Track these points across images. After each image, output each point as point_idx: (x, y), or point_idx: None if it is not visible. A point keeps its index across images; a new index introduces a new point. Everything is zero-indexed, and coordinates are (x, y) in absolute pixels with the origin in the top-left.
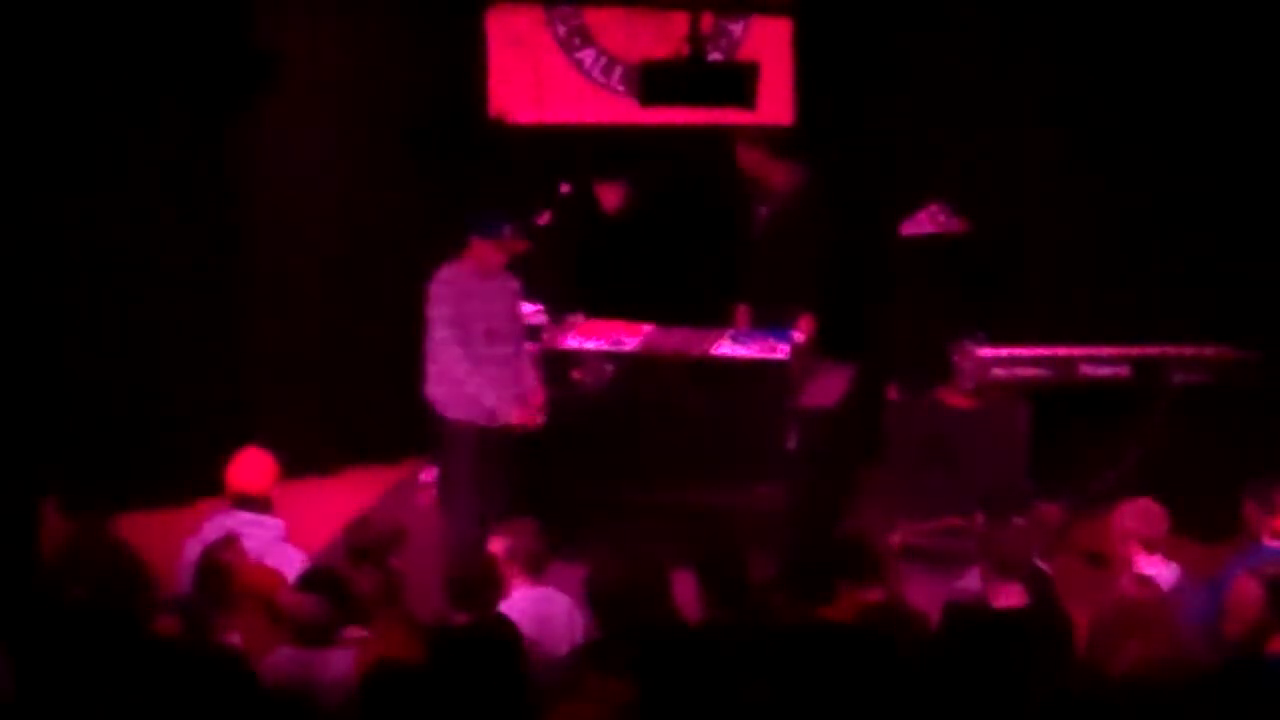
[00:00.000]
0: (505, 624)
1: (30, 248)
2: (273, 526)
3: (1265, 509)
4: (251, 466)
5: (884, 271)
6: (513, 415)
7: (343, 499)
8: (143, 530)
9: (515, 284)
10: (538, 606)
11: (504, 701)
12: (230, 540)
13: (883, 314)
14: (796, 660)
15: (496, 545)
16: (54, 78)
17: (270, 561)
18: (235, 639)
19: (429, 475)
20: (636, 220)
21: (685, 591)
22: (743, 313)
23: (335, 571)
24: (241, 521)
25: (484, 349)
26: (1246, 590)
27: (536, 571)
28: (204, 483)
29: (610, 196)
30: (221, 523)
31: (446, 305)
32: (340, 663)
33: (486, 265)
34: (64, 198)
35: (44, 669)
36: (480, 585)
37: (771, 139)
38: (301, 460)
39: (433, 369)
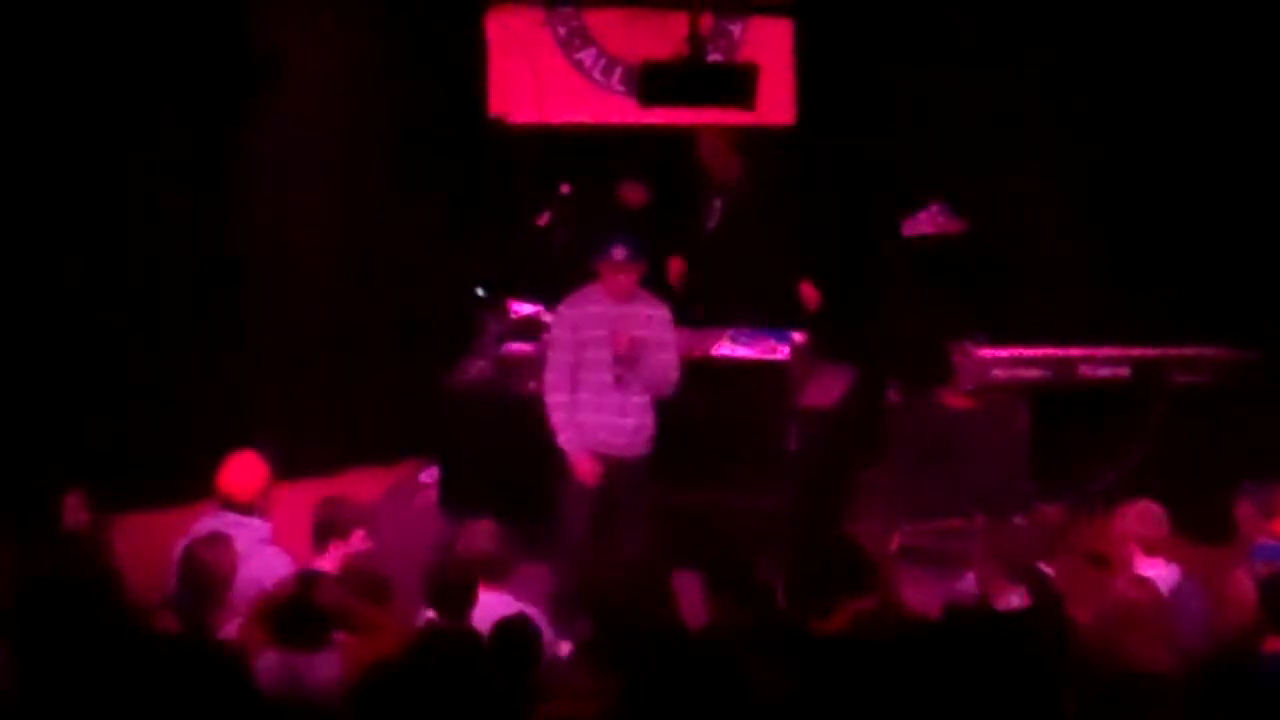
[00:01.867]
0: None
1: (31, 250)
2: (258, 528)
3: (1263, 512)
4: (242, 471)
5: (884, 272)
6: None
7: None
8: (143, 530)
9: (653, 310)
10: (501, 612)
11: (495, 702)
12: (216, 538)
13: (882, 314)
14: (796, 662)
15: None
16: (53, 79)
17: (254, 563)
18: (228, 636)
19: (429, 475)
20: (659, 213)
21: (688, 593)
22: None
23: (325, 575)
24: (227, 523)
25: (596, 373)
26: (1242, 589)
27: (500, 578)
28: (204, 483)
29: (635, 194)
30: (208, 525)
31: (560, 329)
32: (328, 665)
33: (614, 289)
34: (64, 199)
35: (45, 666)
36: (462, 590)
37: (734, 133)
38: (301, 460)
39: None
